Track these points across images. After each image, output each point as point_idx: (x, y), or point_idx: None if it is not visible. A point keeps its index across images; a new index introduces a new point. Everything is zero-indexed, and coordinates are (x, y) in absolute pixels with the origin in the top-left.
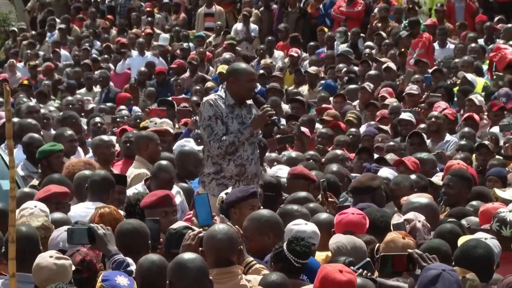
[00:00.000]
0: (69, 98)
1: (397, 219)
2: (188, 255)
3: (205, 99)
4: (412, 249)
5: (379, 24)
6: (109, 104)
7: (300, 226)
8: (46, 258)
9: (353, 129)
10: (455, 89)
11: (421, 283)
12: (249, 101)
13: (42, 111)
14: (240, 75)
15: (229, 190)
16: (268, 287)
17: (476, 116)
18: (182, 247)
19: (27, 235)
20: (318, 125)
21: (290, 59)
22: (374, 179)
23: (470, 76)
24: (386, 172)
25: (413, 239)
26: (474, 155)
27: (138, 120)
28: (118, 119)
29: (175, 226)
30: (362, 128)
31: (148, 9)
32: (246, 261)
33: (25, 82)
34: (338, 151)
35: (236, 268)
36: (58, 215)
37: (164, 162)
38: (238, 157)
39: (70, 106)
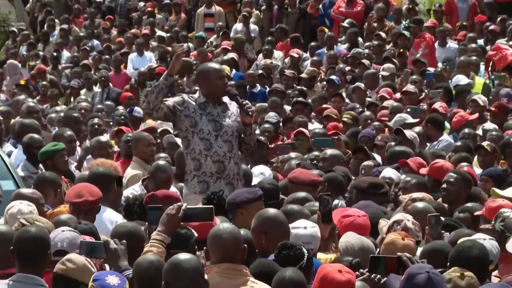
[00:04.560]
0: (82, 97)
1: (383, 224)
2: (183, 256)
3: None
4: (413, 250)
5: (375, 24)
6: (107, 102)
7: (298, 230)
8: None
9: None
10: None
11: None
12: (226, 100)
13: (53, 115)
14: (210, 74)
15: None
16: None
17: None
18: (165, 214)
19: (35, 236)
20: (317, 125)
21: (290, 59)
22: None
23: (464, 80)
24: (389, 172)
25: (413, 239)
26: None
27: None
28: (111, 123)
29: None
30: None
31: (149, 9)
32: None
33: (22, 82)
34: (336, 151)
35: (245, 268)
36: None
37: (161, 162)
38: (214, 153)
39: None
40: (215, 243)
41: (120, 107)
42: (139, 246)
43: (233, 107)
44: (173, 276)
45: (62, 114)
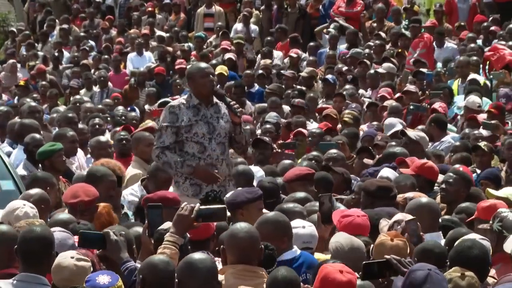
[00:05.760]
0: (77, 97)
1: (384, 224)
2: (198, 255)
3: (169, 104)
4: (402, 250)
5: (375, 25)
6: (107, 100)
7: (297, 229)
8: (67, 258)
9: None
10: (454, 88)
11: (411, 284)
12: (216, 100)
13: (54, 115)
14: (195, 73)
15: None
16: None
17: (478, 117)
18: (177, 215)
19: (40, 236)
20: (316, 124)
21: (289, 60)
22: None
23: (479, 77)
24: (387, 172)
25: (403, 239)
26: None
27: (134, 121)
28: (109, 118)
29: (165, 226)
30: (364, 128)
31: (149, 9)
32: None
33: (22, 82)
34: (334, 151)
35: (261, 270)
36: (64, 215)
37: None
38: (207, 156)
39: (78, 104)
40: (232, 242)
41: (120, 107)
42: (128, 249)
43: (223, 107)
44: (187, 275)
45: (60, 114)
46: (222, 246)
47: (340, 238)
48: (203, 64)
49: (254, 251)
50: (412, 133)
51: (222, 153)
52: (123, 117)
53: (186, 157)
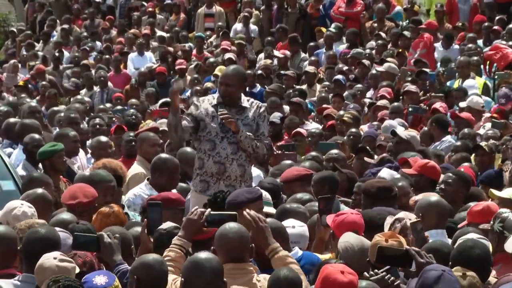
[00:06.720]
0: (78, 96)
1: (389, 220)
2: (205, 255)
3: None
4: None
5: (375, 25)
6: (108, 104)
7: (287, 229)
8: (50, 259)
9: (353, 130)
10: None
11: (423, 284)
12: (245, 103)
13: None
14: (219, 78)
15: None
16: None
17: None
18: (186, 219)
19: (43, 237)
20: (315, 125)
21: (277, 61)
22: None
23: (467, 82)
24: (385, 173)
25: (398, 239)
26: (473, 156)
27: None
28: (114, 118)
29: (165, 226)
30: (364, 128)
31: (150, 9)
32: (272, 247)
33: (21, 83)
34: (335, 151)
35: (249, 266)
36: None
37: (164, 155)
38: (216, 154)
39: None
40: (221, 242)
41: (119, 107)
42: (126, 249)
43: (250, 111)
44: (193, 274)
45: (62, 114)
46: (212, 247)
47: (350, 238)
48: (229, 69)
49: (244, 251)
50: (403, 133)
51: (234, 153)
52: (133, 117)
53: (199, 153)
